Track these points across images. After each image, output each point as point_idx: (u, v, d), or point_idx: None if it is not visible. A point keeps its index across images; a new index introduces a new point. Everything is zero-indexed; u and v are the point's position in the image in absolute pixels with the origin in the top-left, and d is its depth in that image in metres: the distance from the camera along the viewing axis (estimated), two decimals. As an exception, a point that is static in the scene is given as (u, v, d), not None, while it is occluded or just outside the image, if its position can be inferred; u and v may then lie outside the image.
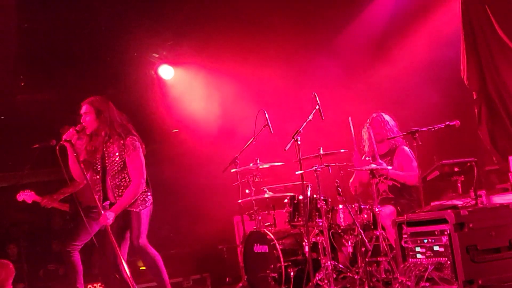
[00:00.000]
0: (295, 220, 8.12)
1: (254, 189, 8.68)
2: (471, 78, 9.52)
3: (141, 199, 6.93)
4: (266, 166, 8.67)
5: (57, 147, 6.61)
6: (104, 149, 6.86)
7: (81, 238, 8.24)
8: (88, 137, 6.95)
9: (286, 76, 10.74)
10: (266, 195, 8.63)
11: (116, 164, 6.83)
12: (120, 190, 6.81)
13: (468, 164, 7.73)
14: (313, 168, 7.90)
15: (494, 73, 9.44)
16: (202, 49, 10.93)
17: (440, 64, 9.62)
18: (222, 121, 11.03)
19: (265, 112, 8.51)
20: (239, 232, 10.07)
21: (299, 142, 7.59)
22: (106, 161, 6.86)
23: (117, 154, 6.81)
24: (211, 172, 10.27)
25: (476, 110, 9.55)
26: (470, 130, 9.47)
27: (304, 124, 7.62)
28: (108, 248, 6.76)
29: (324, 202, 7.77)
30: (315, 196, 7.92)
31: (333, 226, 7.86)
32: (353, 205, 7.76)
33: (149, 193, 7.05)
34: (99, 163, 6.89)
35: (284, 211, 8.30)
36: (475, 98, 9.57)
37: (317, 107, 7.69)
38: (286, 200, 8.29)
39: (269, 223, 8.71)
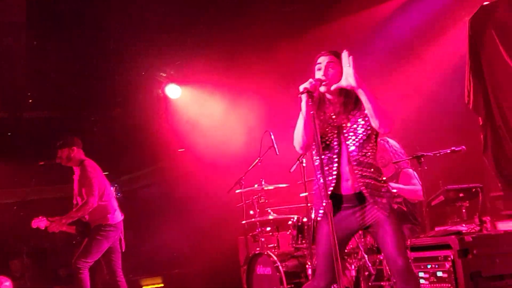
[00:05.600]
0: (299, 242, 8.10)
1: (258, 210, 8.68)
2: (476, 103, 9.54)
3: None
4: (271, 187, 8.67)
5: (301, 96, 4.88)
6: (344, 118, 4.99)
7: (92, 255, 8.21)
8: (317, 98, 5.04)
9: (293, 98, 10.75)
10: (271, 217, 8.61)
11: (357, 135, 4.93)
12: (364, 169, 4.89)
13: (474, 190, 7.72)
14: (318, 191, 7.90)
15: (500, 98, 9.45)
16: (209, 69, 10.97)
17: (447, 88, 9.64)
18: (228, 141, 11.04)
19: (271, 133, 8.52)
20: (243, 253, 10.04)
21: (304, 164, 7.60)
22: (345, 133, 4.96)
23: (360, 121, 4.94)
24: (216, 192, 10.27)
25: (482, 136, 9.55)
26: (476, 155, 9.46)
27: (310, 146, 7.62)
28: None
29: (329, 225, 7.75)
30: (319, 218, 7.90)
31: (337, 249, 7.83)
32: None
33: None
34: (335, 135, 4.97)
35: (288, 233, 8.29)
36: (481, 123, 9.58)
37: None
38: (290, 222, 8.28)
39: (273, 245, 8.70)
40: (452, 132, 9.29)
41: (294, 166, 7.68)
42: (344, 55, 4.82)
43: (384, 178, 5.00)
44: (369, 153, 4.91)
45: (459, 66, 9.82)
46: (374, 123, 4.77)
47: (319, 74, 5.01)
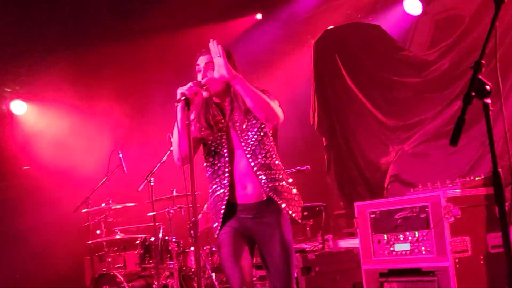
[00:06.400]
0: (146, 262, 8.04)
1: (105, 230, 8.53)
2: (321, 124, 9.87)
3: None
4: (118, 206, 8.54)
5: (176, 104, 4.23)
6: (235, 119, 4.43)
7: None
8: (203, 102, 4.51)
9: (142, 117, 10.71)
10: (118, 236, 8.48)
11: (252, 135, 4.40)
12: (272, 172, 4.35)
13: (317, 208, 7.96)
14: (166, 210, 7.91)
15: (342, 120, 9.83)
16: (58, 85, 10.70)
17: (293, 109, 9.88)
18: (76, 159, 10.80)
19: (119, 151, 8.42)
20: (88, 273, 9.83)
21: (152, 183, 7.57)
22: (238, 135, 4.41)
23: (252, 120, 4.39)
24: (62, 212, 10.00)
25: (325, 156, 9.88)
26: (320, 175, 9.76)
27: (158, 165, 7.61)
28: None
29: (176, 244, 7.76)
30: (167, 238, 7.89)
31: (184, 268, 7.85)
32: (204, 248, 7.79)
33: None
34: (224, 140, 4.45)
35: (135, 252, 8.22)
36: (325, 144, 9.91)
37: (171, 148, 7.69)
38: (137, 242, 8.21)
39: (119, 265, 8.57)
40: (297, 152, 9.53)
41: (142, 185, 7.62)
42: (212, 44, 4.26)
43: (291, 181, 4.50)
44: (270, 153, 4.38)
45: (304, 87, 10.12)
46: (260, 118, 4.30)
47: (199, 77, 4.43)
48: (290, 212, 4.34)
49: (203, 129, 4.45)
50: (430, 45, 9.46)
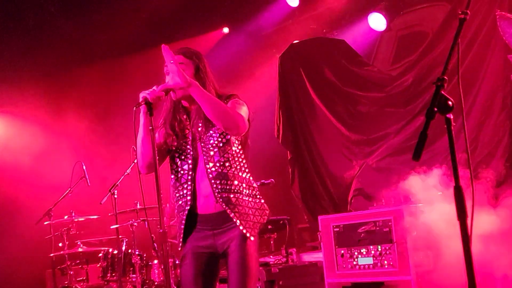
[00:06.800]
0: (109, 275, 7.99)
1: (67, 242, 8.45)
2: (285, 137, 9.89)
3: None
4: (81, 219, 8.49)
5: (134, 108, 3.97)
6: (198, 124, 4.21)
7: None
8: (171, 107, 4.32)
9: (106, 129, 10.65)
10: (80, 249, 8.41)
11: (213, 141, 4.16)
12: (228, 182, 4.09)
13: (281, 222, 7.97)
14: (129, 223, 7.86)
15: (307, 134, 9.86)
16: (21, 96, 10.61)
17: (258, 122, 9.87)
18: (38, 171, 10.69)
19: (83, 164, 8.37)
20: (50, 287, 9.71)
21: (115, 196, 7.52)
22: (202, 141, 4.19)
23: (216, 127, 4.12)
24: (24, 224, 9.88)
25: (290, 169, 9.89)
26: (284, 188, 9.77)
27: (122, 177, 7.56)
28: None
29: (139, 257, 7.72)
30: (130, 251, 7.85)
31: (147, 281, 7.81)
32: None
33: None
34: (189, 146, 4.24)
35: (98, 265, 8.16)
36: (289, 157, 9.93)
37: (135, 161, 7.65)
38: (100, 255, 8.15)
39: (81, 278, 8.50)
40: (261, 165, 9.52)
41: (105, 198, 7.57)
42: (164, 50, 4.03)
43: (256, 193, 4.20)
44: (229, 162, 4.11)
45: (270, 100, 10.14)
46: (218, 126, 4.06)
47: (167, 79, 4.12)
48: (241, 227, 4.03)
49: (168, 135, 4.22)
50: (394, 60, 9.56)
